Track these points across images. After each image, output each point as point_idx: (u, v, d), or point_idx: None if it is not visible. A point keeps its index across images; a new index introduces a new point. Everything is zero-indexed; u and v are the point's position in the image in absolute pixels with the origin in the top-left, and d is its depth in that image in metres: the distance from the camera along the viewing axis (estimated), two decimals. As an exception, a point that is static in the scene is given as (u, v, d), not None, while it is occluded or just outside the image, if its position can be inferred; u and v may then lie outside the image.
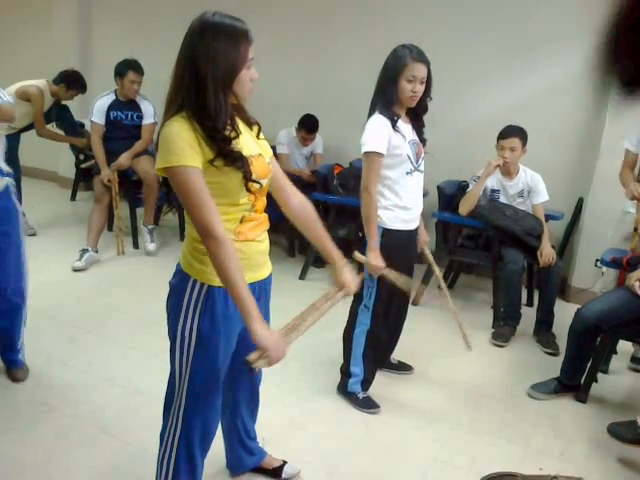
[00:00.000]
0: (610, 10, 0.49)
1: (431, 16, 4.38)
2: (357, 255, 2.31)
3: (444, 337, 3.25)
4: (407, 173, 2.36)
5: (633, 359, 3.12)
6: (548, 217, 3.57)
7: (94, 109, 4.28)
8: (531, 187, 3.48)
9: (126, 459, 2.10)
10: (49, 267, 3.90)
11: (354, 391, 2.56)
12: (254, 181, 1.49)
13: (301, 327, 1.57)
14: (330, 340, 2.73)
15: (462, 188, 3.76)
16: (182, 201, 1.43)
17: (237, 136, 1.47)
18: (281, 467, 2.05)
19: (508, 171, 3.49)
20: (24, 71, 4.74)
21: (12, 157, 3.82)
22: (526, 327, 3.40)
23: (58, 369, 2.68)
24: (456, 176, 4.00)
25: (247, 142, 1.53)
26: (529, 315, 3.45)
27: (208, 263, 1.45)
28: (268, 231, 1.64)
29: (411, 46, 2.29)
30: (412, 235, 2.50)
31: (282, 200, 1.70)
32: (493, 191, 3.54)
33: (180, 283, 1.55)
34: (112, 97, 4.32)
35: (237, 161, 1.44)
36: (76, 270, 3.92)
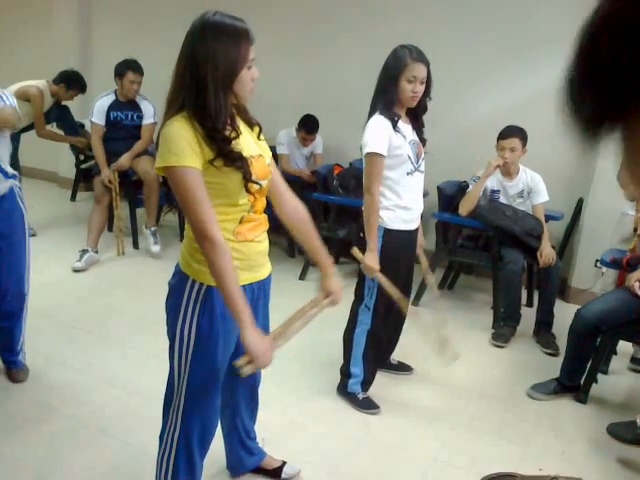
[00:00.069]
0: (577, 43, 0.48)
1: (431, 16, 4.38)
2: (355, 251, 2.31)
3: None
4: (408, 173, 2.37)
5: (633, 359, 3.12)
6: (548, 217, 3.57)
7: (94, 109, 4.28)
8: (531, 187, 3.48)
9: (126, 459, 2.10)
10: (49, 267, 3.90)
11: (354, 392, 2.55)
12: (254, 182, 1.49)
13: (288, 333, 1.59)
14: (330, 340, 2.73)
15: (462, 188, 3.75)
16: (179, 201, 1.44)
17: (237, 136, 1.47)
18: (281, 467, 2.05)
19: (508, 171, 3.48)
20: (24, 71, 4.75)
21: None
22: (526, 327, 3.40)
23: (58, 369, 2.68)
24: (456, 176, 3.99)
25: (247, 143, 1.53)
26: (529, 315, 3.44)
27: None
28: (268, 231, 1.64)
29: (411, 46, 2.29)
30: (413, 235, 2.51)
31: (278, 205, 1.70)
32: (493, 191, 3.53)
33: (179, 283, 1.55)
34: (112, 97, 4.31)
35: (237, 161, 1.44)
36: (76, 270, 3.92)
